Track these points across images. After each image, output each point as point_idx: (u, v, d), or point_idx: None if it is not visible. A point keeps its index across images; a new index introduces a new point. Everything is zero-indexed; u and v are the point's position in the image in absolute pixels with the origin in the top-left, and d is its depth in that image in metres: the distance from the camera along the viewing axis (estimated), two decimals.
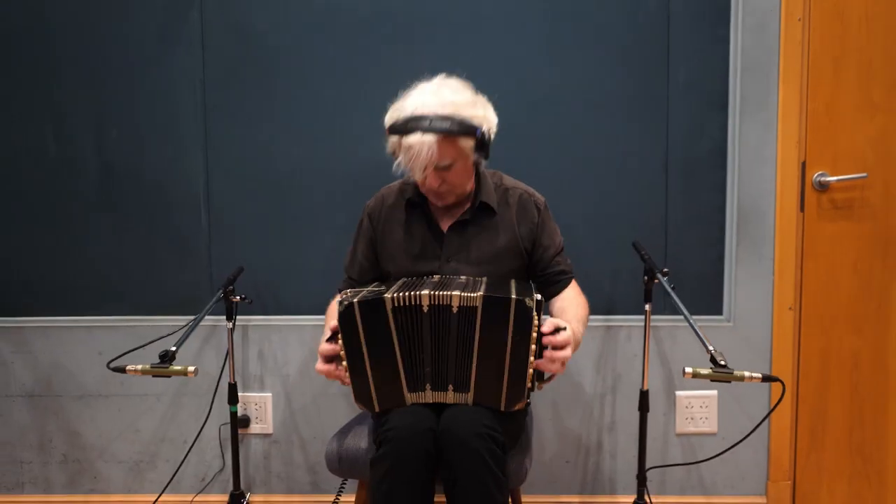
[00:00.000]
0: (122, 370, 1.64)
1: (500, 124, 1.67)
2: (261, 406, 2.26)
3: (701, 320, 2.17)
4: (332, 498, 2.20)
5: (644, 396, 2.02)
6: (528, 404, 1.56)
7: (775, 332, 2.16)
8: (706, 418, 2.21)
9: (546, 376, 1.51)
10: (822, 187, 2.13)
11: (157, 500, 2.23)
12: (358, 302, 1.45)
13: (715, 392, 2.20)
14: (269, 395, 2.26)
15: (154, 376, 1.62)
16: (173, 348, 1.67)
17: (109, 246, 2.23)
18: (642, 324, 2.07)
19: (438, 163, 1.55)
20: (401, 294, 1.45)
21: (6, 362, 2.27)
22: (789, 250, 2.14)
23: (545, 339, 1.43)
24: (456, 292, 1.44)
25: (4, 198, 2.23)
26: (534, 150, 2.11)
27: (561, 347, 1.45)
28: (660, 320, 2.18)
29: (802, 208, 2.14)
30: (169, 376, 1.62)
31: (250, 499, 2.27)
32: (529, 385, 1.45)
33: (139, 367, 1.63)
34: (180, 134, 2.19)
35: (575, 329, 1.55)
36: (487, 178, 1.73)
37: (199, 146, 2.19)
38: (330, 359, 1.51)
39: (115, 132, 2.20)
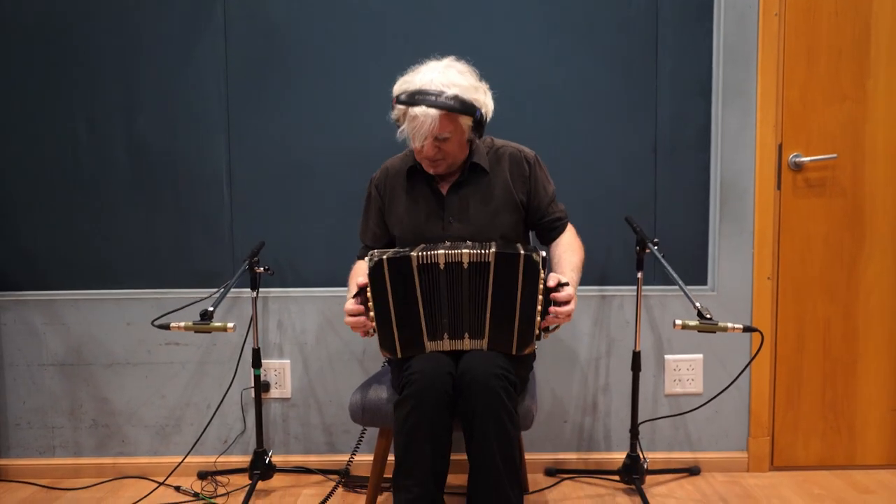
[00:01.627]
0: (166, 327, 1.80)
1: (500, 113, 1.87)
2: (280, 372, 2.42)
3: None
4: (346, 457, 2.37)
5: (637, 357, 2.21)
6: (534, 350, 1.75)
7: (755, 299, 2.36)
8: (692, 380, 2.40)
9: (552, 326, 1.69)
10: (797, 167, 2.34)
11: (181, 461, 2.38)
12: (387, 259, 1.63)
13: (700, 356, 2.40)
14: (288, 361, 2.42)
15: (196, 332, 1.78)
16: (211, 308, 1.84)
17: (138, 224, 2.39)
18: (634, 293, 2.26)
19: (438, 134, 1.73)
20: (423, 253, 1.63)
21: (39, 333, 2.41)
22: (767, 225, 2.34)
23: (552, 296, 1.63)
24: (466, 250, 1.63)
25: (42, 180, 2.38)
26: (532, 137, 2.29)
27: (566, 302, 1.63)
28: (650, 290, 2.37)
29: (779, 186, 2.34)
30: (209, 332, 1.79)
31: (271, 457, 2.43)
32: (537, 332, 1.63)
33: (182, 323, 1.79)
34: (205, 120, 2.35)
35: (573, 280, 1.75)
36: (479, 144, 1.90)
37: (221, 131, 2.36)
38: (355, 315, 1.69)
39: (144, 118, 2.36)
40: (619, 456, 2.36)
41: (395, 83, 1.78)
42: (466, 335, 1.66)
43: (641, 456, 2.22)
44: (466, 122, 1.75)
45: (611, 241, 2.36)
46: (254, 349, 2.26)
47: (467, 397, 1.60)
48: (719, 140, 2.33)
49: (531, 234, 2.01)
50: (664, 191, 2.35)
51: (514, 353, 1.65)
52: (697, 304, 1.78)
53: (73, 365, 2.43)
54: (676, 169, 2.35)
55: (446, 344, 1.67)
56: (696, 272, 2.38)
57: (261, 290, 2.35)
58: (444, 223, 1.86)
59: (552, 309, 1.64)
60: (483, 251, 1.63)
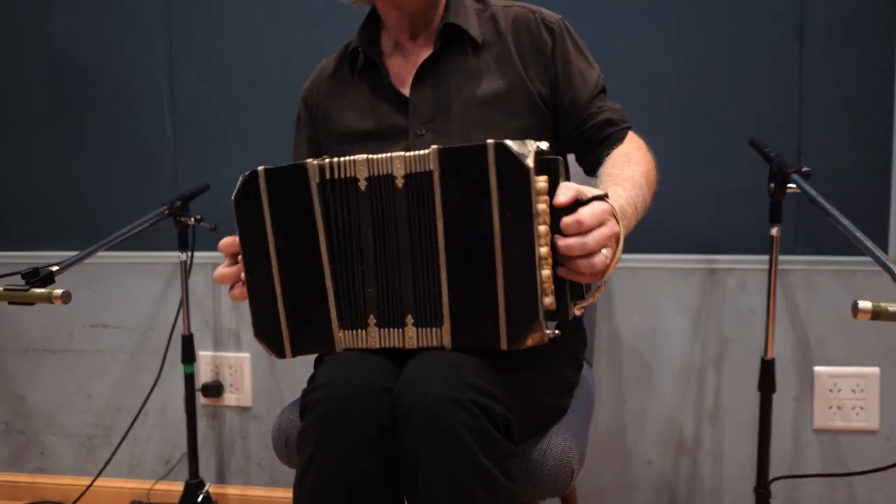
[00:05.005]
0: None
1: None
2: (236, 370, 1.73)
3: (852, 262, 1.47)
4: None
5: (768, 368, 1.34)
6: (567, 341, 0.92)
7: None
8: (862, 408, 1.49)
9: (588, 288, 0.87)
10: None
11: (91, 484, 1.74)
12: (265, 169, 0.88)
13: (877, 370, 1.48)
14: (248, 355, 1.72)
15: (10, 302, 1.10)
16: (54, 268, 1.16)
17: (56, 163, 1.77)
18: (764, 266, 1.40)
19: None
20: (330, 162, 0.87)
21: None
22: None
23: (563, 223, 0.80)
24: (401, 153, 0.85)
25: None
26: None
27: (587, 231, 0.80)
28: (791, 261, 1.48)
29: None
30: (30, 302, 1.10)
31: (225, 491, 1.74)
32: (550, 298, 0.82)
33: None
34: (138, 18, 1.70)
35: (622, 198, 0.91)
36: (464, 1, 1.13)
37: (161, 32, 1.69)
38: (228, 283, 0.96)
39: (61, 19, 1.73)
40: None
41: None
42: (409, 318, 0.88)
43: None
44: None
45: (722, 185, 1.50)
46: (184, 336, 1.57)
47: (406, 441, 0.82)
48: None
49: (569, 159, 1.18)
50: (814, 100, 1.46)
51: (504, 346, 0.84)
52: None
53: None
54: (835, 64, 1.45)
55: (373, 335, 0.88)
56: (867, 232, 1.46)
57: (207, 255, 1.66)
58: (411, 136, 1.08)
59: (563, 243, 0.81)
60: (424, 152, 0.85)
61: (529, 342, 0.82)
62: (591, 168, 1.11)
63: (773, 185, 1.28)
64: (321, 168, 0.87)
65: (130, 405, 1.77)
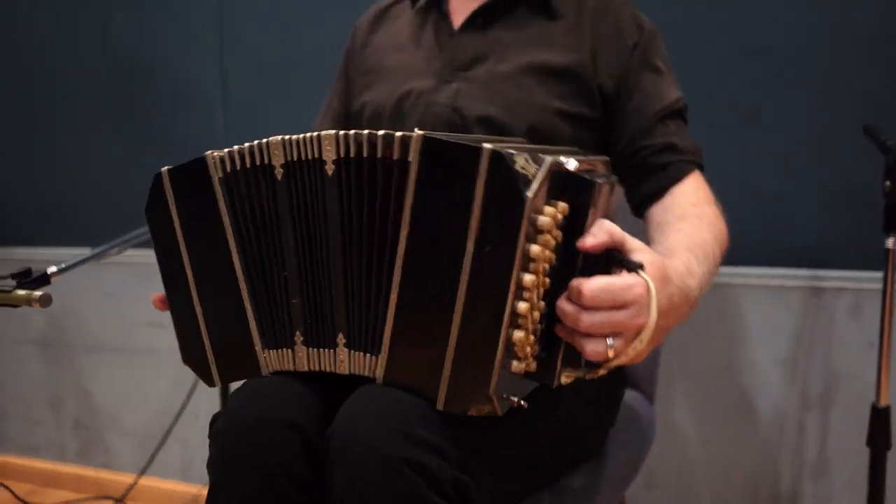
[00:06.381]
0: None
1: None
2: None
3: None
4: None
5: (880, 419, 1.05)
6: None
7: None
8: None
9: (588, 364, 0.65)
10: None
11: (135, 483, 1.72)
12: (168, 170, 0.75)
13: None
14: None
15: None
16: (52, 269, 1.10)
17: (116, 160, 1.77)
18: (880, 284, 1.10)
19: None
20: (231, 151, 0.72)
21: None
22: None
23: (582, 288, 0.60)
24: (331, 132, 0.68)
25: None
26: None
27: (589, 308, 0.60)
28: None
29: None
30: (15, 305, 1.05)
31: None
32: (522, 363, 0.62)
33: None
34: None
35: (675, 268, 0.69)
36: None
37: (212, 30, 1.65)
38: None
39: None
40: None
41: None
42: (341, 337, 0.70)
43: None
44: None
45: (830, 183, 1.21)
46: None
47: (337, 488, 0.65)
48: None
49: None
50: None
51: (440, 407, 0.65)
52: None
53: (53, 346, 1.89)
54: None
55: (301, 356, 0.73)
56: None
57: None
58: (437, 78, 0.92)
59: (559, 303, 0.62)
60: (371, 133, 0.67)
61: (472, 412, 0.64)
62: (639, 206, 0.89)
63: (888, 182, 1.00)
64: (222, 159, 0.72)
65: (187, 408, 1.74)
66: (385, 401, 0.66)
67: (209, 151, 0.73)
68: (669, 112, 0.88)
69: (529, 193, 0.59)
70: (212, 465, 0.72)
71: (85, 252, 1.21)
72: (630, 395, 1.14)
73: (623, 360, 0.62)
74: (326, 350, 0.71)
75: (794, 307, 1.25)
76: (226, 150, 0.72)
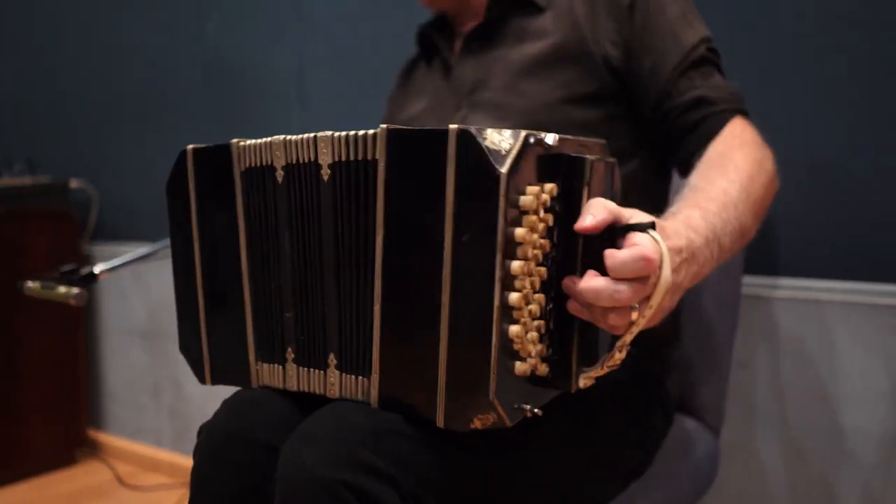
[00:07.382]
0: (21, 287, 1.16)
1: None
2: None
3: None
4: None
5: None
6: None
7: None
8: None
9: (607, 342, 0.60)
10: None
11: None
12: (194, 149, 0.72)
13: None
14: None
15: (39, 298, 1.11)
16: (97, 269, 1.14)
17: None
18: None
19: None
20: (251, 144, 0.69)
21: (127, 295, 2.04)
22: None
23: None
24: (328, 133, 0.63)
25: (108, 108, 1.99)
26: None
27: (641, 276, 0.55)
28: None
29: None
30: (55, 300, 1.10)
31: None
32: (525, 363, 0.57)
33: (37, 283, 1.13)
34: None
35: (695, 232, 0.62)
36: None
37: (290, 29, 1.66)
38: None
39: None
40: None
41: None
42: (332, 358, 0.65)
43: None
44: None
45: None
46: None
47: None
48: None
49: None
50: None
51: (441, 424, 0.58)
52: None
53: (152, 337, 2.00)
54: None
55: (292, 374, 0.69)
56: None
57: None
58: (450, 110, 0.90)
59: (583, 286, 0.55)
60: (365, 133, 0.61)
61: (477, 424, 0.57)
62: (684, 171, 0.80)
63: None
64: (245, 149, 0.69)
65: None
66: (339, 423, 0.62)
67: (235, 140, 0.70)
68: (690, 62, 0.78)
69: (503, 169, 0.53)
70: (191, 481, 0.71)
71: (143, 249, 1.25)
72: (689, 425, 1.00)
73: (642, 323, 0.55)
74: (318, 371, 0.66)
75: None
76: (241, 143, 0.69)
